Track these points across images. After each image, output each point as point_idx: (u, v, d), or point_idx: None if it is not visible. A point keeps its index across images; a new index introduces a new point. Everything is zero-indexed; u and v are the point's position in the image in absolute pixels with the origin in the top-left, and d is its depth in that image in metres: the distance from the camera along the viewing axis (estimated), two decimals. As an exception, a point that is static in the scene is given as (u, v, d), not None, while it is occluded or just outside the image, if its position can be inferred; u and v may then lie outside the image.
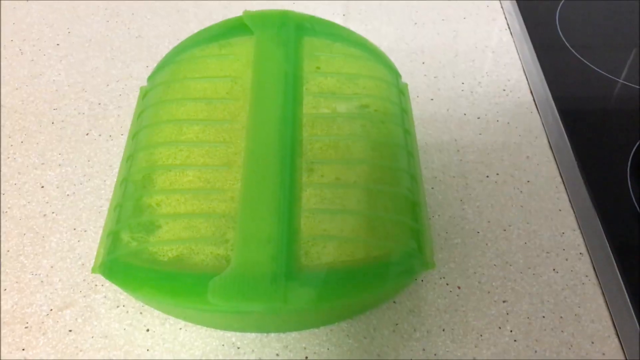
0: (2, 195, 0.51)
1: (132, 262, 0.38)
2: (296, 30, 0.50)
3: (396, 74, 0.52)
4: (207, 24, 0.67)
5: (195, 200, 0.39)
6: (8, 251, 0.47)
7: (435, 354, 0.42)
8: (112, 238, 0.40)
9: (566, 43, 0.64)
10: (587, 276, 0.46)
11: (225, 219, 0.38)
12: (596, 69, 0.61)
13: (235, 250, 0.37)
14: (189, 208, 0.39)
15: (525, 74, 0.62)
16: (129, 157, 0.45)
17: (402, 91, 0.51)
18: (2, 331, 0.43)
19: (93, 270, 0.41)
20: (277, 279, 0.35)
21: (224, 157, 0.42)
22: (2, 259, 0.47)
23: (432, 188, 0.52)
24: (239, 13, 0.53)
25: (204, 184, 0.40)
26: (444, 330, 0.43)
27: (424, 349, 0.42)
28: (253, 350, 0.42)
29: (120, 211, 0.41)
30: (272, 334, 0.43)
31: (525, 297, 0.45)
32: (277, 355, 0.42)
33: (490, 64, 0.63)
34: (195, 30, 0.66)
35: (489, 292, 0.45)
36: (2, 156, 0.54)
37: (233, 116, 0.44)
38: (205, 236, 0.38)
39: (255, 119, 0.44)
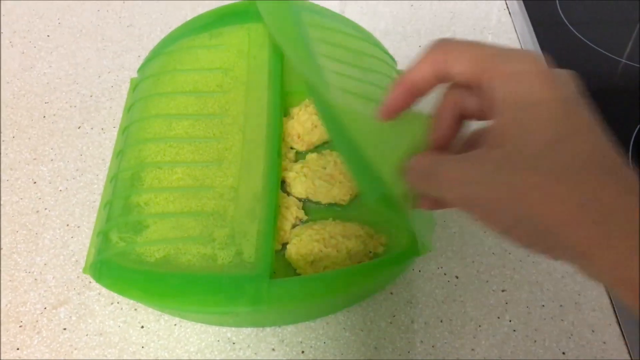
0: (-6, 192, 0.50)
1: (120, 264, 0.37)
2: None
3: (392, 61, 0.51)
4: (200, 10, 0.65)
5: (184, 199, 0.39)
6: (1, 249, 0.47)
7: (433, 345, 0.41)
8: (102, 238, 0.39)
9: (567, 22, 0.63)
10: (587, 263, 0.46)
11: (213, 217, 0.38)
12: (598, 48, 0.60)
13: (224, 250, 0.36)
14: (177, 207, 0.38)
15: (525, 56, 0.61)
16: (119, 153, 0.44)
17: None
18: (-3, 331, 0.42)
19: (84, 271, 0.40)
20: (262, 279, 0.35)
21: (214, 153, 0.41)
22: (-5, 257, 0.46)
23: (430, 175, 0.51)
24: (231, 0, 0.51)
25: (193, 182, 0.40)
26: (441, 321, 0.42)
27: (421, 341, 0.42)
28: (249, 346, 0.41)
29: (110, 210, 0.41)
30: (268, 329, 0.42)
31: (524, 286, 0.44)
32: (273, 349, 0.41)
33: (488, 46, 0.62)
34: (188, 18, 0.64)
35: (487, 282, 0.45)
36: (-7, 152, 0.53)
37: (223, 110, 0.43)
38: (192, 236, 0.37)
39: (248, 114, 0.43)
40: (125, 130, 0.46)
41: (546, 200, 0.23)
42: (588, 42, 0.61)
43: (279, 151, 0.41)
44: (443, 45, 0.27)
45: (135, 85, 0.50)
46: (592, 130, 0.24)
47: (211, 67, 0.46)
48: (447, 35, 0.63)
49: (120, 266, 0.37)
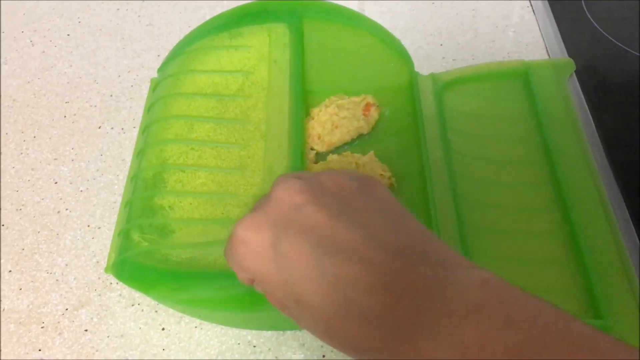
0: (16, 192, 0.51)
1: (143, 262, 0.37)
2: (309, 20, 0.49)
3: (410, 61, 0.51)
4: (219, 10, 0.64)
5: (209, 205, 0.39)
6: (23, 249, 0.47)
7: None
8: (123, 237, 0.39)
9: (592, 20, 0.61)
10: (614, 268, 0.45)
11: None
12: (624, 47, 0.58)
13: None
14: (203, 213, 0.38)
15: (549, 55, 0.60)
16: (139, 153, 0.44)
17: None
18: (19, 331, 0.43)
19: (106, 270, 0.40)
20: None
21: (236, 160, 0.41)
22: (17, 258, 0.46)
23: (452, 177, 0.51)
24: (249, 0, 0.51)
25: (217, 188, 0.39)
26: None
27: (443, 346, 0.41)
28: (270, 349, 0.41)
29: (131, 209, 0.41)
30: (289, 332, 0.42)
31: (549, 291, 0.44)
32: (294, 353, 0.41)
33: (511, 45, 0.61)
34: (207, 17, 0.64)
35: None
36: (15, 152, 0.54)
37: (245, 115, 0.43)
38: (220, 240, 0.37)
39: (270, 121, 0.42)
40: (145, 129, 0.46)
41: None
42: (613, 39, 0.59)
43: (302, 159, 0.41)
44: None
45: (155, 86, 0.50)
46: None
47: (232, 69, 0.46)
48: (469, 34, 0.62)
49: (143, 265, 0.37)
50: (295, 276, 0.25)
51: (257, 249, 0.26)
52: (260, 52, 0.46)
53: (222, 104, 0.43)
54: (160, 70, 0.51)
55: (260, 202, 0.29)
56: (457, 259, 0.25)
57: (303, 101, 0.44)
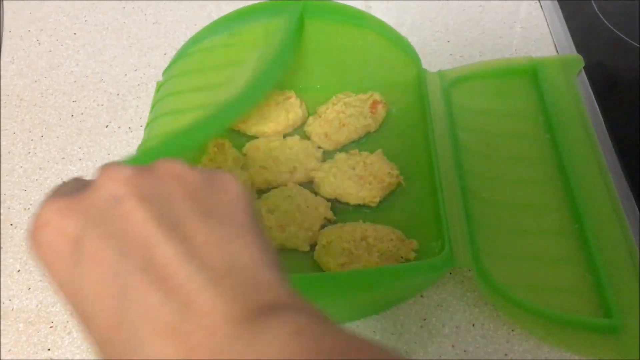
0: (25, 191, 0.51)
1: None
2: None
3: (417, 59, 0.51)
4: (224, 7, 0.65)
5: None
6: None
7: (465, 350, 0.41)
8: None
9: (601, 16, 0.61)
10: (624, 266, 0.44)
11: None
12: (634, 43, 0.58)
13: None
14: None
15: (557, 51, 0.59)
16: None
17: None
18: (28, 331, 0.43)
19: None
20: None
21: None
22: (26, 257, 0.47)
23: (460, 175, 0.50)
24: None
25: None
26: (473, 325, 0.42)
27: (453, 345, 0.41)
28: (278, 348, 0.41)
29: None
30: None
31: (558, 289, 0.43)
32: (303, 352, 0.41)
33: (519, 41, 0.60)
34: (213, 14, 0.64)
35: (520, 284, 0.44)
36: (23, 151, 0.54)
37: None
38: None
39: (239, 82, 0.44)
40: (145, 130, 0.47)
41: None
42: (623, 35, 0.59)
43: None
44: None
45: (159, 87, 0.51)
46: None
47: (225, 63, 0.47)
48: (476, 30, 0.62)
49: None
50: (86, 290, 0.20)
51: (55, 240, 0.21)
52: (255, 45, 0.47)
53: (212, 94, 0.45)
54: (164, 73, 0.52)
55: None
56: (279, 298, 0.21)
57: (275, 63, 0.45)
